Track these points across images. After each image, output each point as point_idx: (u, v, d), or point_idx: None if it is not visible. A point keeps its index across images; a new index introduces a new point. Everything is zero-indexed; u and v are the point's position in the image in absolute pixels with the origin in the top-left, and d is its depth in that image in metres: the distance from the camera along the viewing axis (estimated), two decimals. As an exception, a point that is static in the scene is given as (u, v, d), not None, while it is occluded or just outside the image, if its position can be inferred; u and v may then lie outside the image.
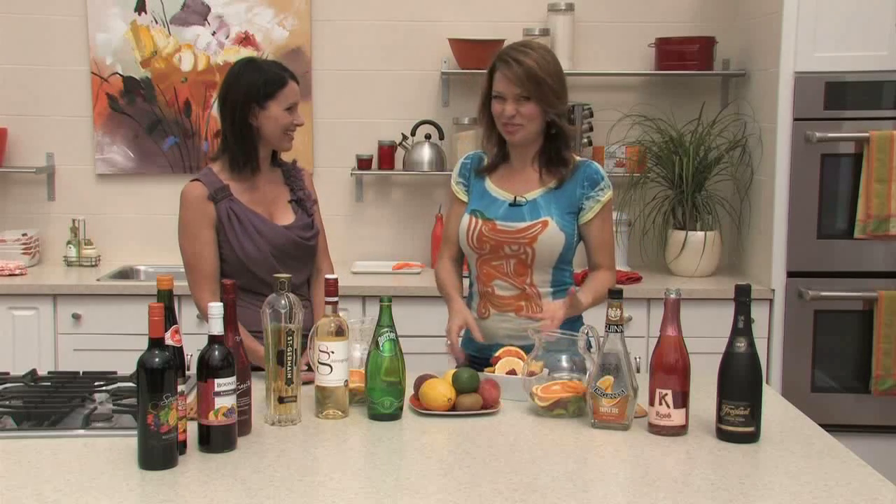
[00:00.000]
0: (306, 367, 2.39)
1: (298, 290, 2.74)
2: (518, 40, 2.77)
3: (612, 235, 2.76)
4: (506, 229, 2.67)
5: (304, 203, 2.81)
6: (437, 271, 2.83)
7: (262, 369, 2.29)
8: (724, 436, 2.14)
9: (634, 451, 2.09)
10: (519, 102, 2.60)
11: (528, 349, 2.45)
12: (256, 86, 2.67)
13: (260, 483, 1.87)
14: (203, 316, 2.53)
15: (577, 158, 2.72)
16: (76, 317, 3.96)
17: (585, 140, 4.28)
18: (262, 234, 2.69)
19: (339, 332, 2.26)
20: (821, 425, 2.28)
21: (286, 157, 2.88)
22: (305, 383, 2.36)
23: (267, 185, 2.77)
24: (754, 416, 2.13)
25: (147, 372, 1.91)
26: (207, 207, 2.67)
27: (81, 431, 2.14)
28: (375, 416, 2.27)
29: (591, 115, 4.30)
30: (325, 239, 2.89)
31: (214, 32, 4.42)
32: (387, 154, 4.40)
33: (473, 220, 2.71)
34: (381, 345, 2.27)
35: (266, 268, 2.66)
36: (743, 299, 2.14)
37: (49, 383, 2.49)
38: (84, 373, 2.58)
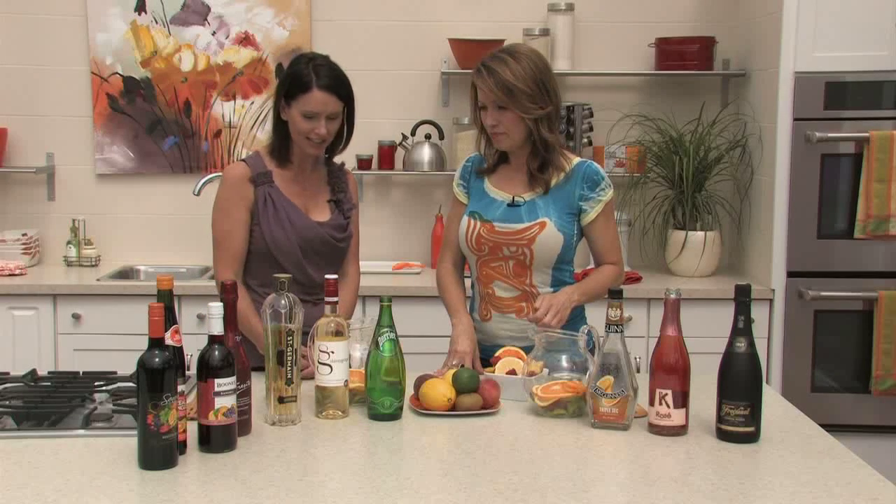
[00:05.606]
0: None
1: (319, 288, 2.69)
2: (506, 45, 2.75)
3: (617, 234, 2.76)
4: (504, 230, 2.66)
5: (342, 204, 2.80)
6: (440, 277, 2.82)
7: (263, 369, 2.29)
8: (724, 436, 2.14)
9: (634, 451, 2.09)
10: (498, 111, 2.59)
11: (529, 350, 2.45)
12: (285, 82, 2.68)
13: (260, 483, 1.87)
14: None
15: (576, 159, 2.70)
16: (76, 317, 3.96)
17: (585, 140, 4.28)
18: (293, 224, 2.69)
19: (339, 332, 2.26)
20: (821, 425, 2.28)
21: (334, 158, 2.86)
22: (305, 379, 2.35)
23: (309, 180, 2.78)
24: (754, 416, 2.13)
25: (147, 372, 1.91)
26: (247, 189, 2.68)
27: (81, 431, 2.14)
28: (375, 416, 2.27)
29: (591, 115, 4.30)
30: (357, 245, 2.87)
31: (214, 32, 4.42)
32: (387, 154, 4.40)
33: (472, 221, 2.71)
34: (381, 345, 2.27)
35: (291, 259, 2.66)
36: (743, 299, 2.14)
37: (49, 383, 2.48)
38: (84, 373, 2.58)
